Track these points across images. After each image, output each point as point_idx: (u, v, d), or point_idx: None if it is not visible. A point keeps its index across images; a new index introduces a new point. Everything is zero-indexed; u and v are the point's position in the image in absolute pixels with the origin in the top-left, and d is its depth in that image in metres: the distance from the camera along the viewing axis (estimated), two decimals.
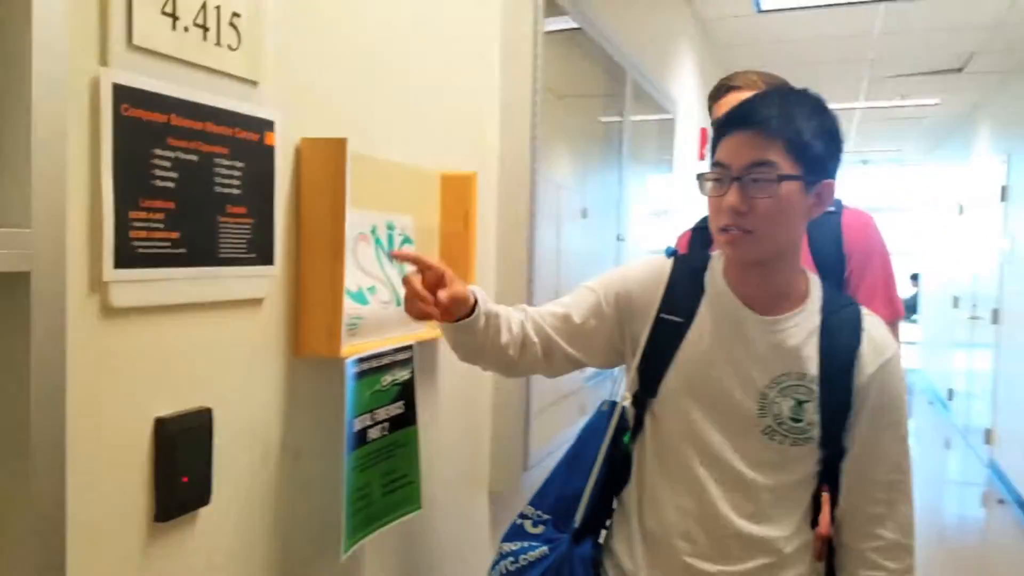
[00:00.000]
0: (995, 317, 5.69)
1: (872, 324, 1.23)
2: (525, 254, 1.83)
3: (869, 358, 1.19)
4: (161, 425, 0.91)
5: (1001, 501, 4.99)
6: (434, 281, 1.12)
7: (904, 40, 4.84)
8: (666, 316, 1.25)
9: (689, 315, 1.24)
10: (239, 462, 1.04)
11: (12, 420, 0.75)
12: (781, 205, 1.13)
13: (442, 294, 1.10)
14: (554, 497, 1.40)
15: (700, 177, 1.20)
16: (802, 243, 1.25)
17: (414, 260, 1.11)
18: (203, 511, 0.98)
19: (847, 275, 1.67)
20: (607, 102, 3.00)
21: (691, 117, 4.28)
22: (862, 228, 1.68)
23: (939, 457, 6.39)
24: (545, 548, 1.34)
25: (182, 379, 0.95)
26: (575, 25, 2.27)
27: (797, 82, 2.19)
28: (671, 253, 1.33)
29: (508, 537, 1.39)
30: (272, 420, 1.11)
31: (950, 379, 7.31)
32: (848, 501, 1.23)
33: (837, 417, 1.19)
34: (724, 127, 1.19)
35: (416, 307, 1.10)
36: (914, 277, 9.59)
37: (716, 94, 1.79)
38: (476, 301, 1.16)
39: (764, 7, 4.42)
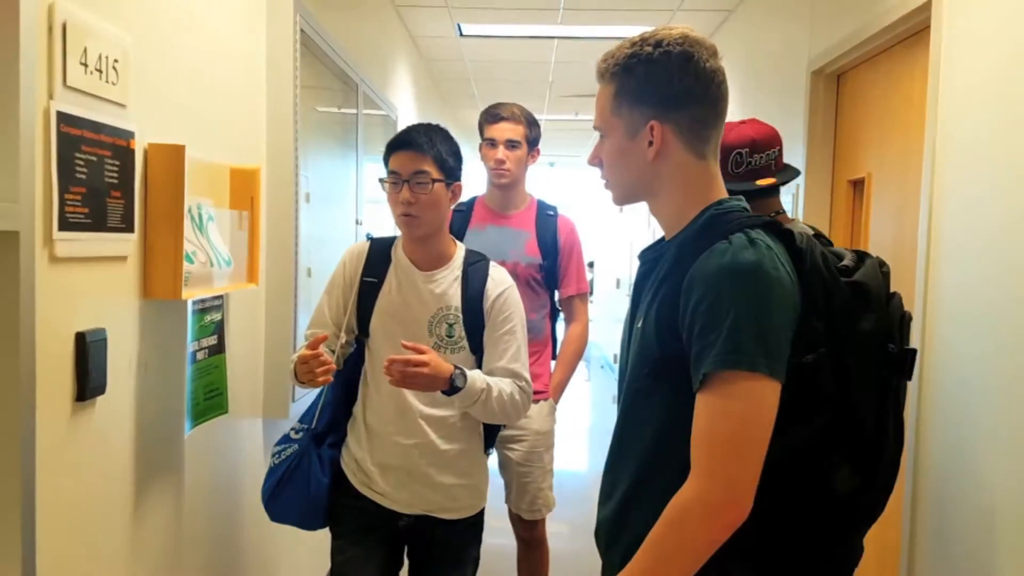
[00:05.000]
0: None
1: (495, 271, 1.93)
2: (292, 237, 2.36)
3: (492, 292, 1.89)
4: (81, 336, 1.36)
5: None
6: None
7: (574, 68, 5.99)
8: (367, 279, 1.92)
9: (382, 277, 1.91)
10: (117, 367, 1.50)
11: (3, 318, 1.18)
12: (434, 199, 1.84)
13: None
14: (313, 412, 1.97)
15: (382, 180, 1.87)
16: (448, 222, 1.94)
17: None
18: (100, 399, 1.44)
19: (559, 259, 2.62)
20: (333, 95, 3.48)
21: (409, 118, 4.97)
22: (569, 229, 2.64)
23: (608, 410, 7.85)
24: (296, 446, 1.91)
25: (89, 307, 1.41)
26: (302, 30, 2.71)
27: (496, 96, 2.97)
28: (370, 238, 2.00)
29: (278, 442, 1.94)
30: (134, 341, 1.58)
31: (616, 347, 8.87)
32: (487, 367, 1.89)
33: (476, 331, 1.88)
34: (394, 148, 1.87)
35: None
36: (590, 264, 11.32)
37: (488, 120, 2.55)
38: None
39: (465, 32, 5.26)
